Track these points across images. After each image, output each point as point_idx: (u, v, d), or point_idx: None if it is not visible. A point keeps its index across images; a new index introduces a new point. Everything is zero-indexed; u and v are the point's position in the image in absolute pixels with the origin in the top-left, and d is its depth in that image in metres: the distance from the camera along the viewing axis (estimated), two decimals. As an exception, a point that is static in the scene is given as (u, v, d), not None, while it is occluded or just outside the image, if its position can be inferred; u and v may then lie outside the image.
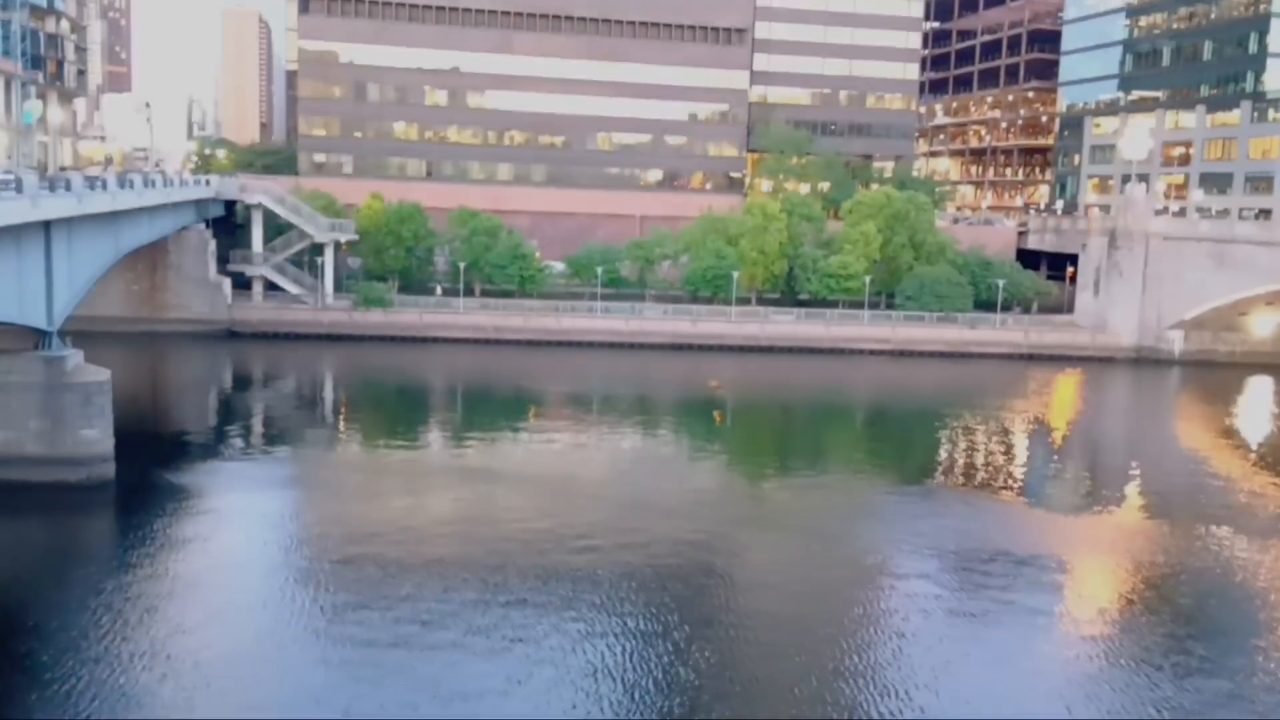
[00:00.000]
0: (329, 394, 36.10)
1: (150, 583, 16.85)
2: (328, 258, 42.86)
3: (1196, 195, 56.26)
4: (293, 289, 42.68)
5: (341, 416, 32.84)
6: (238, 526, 20.23)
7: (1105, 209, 55.25)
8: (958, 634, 16.00)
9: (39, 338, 21.86)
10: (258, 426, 29.83)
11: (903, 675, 14.27)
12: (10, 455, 21.40)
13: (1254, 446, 32.08)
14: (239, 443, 27.45)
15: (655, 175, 58.38)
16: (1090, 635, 16.37)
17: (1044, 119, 74.17)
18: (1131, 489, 26.44)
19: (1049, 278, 51.52)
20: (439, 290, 44.74)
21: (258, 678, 13.61)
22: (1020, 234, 55.22)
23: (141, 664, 13.68)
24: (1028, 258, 52.84)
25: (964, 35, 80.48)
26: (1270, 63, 54.91)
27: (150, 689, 13.02)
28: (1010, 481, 26.39)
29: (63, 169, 50.72)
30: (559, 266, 47.14)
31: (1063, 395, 39.97)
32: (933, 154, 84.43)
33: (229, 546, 18.96)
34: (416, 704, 12.97)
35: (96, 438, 21.95)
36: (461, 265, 44.23)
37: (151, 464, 23.05)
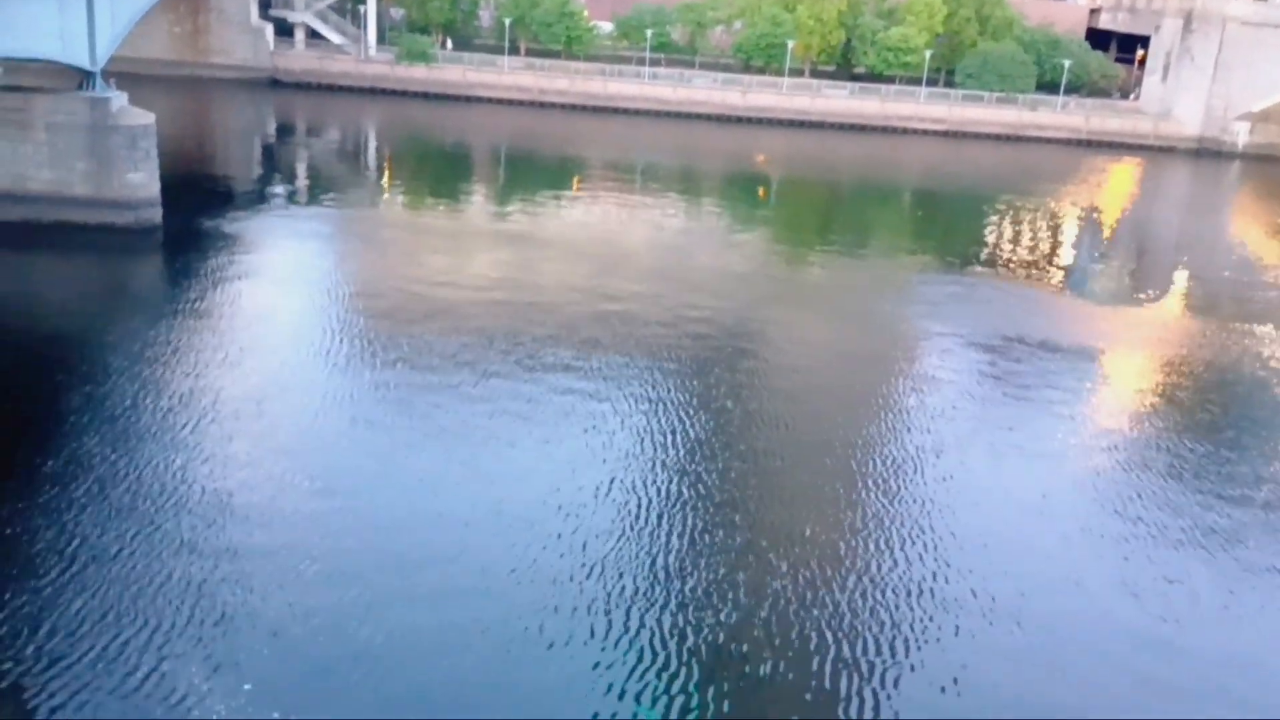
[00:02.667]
0: (371, 149, 35.88)
1: (195, 324, 17.27)
2: (370, 6, 41.70)
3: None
4: (335, 38, 41.78)
5: (383, 173, 32.75)
6: (281, 276, 20.54)
7: (1185, -11, 52.29)
8: (984, 419, 16.19)
9: (82, 78, 21.62)
10: (301, 178, 29.88)
11: (925, 457, 14.53)
12: (59, 195, 21.58)
13: (1309, 246, 31.44)
14: (282, 193, 27.60)
15: (711, -68, 55.38)
16: (1120, 427, 16.52)
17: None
18: (1178, 283, 26.15)
19: (1117, 60, 49.44)
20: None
21: (295, 417, 14.07)
22: (1092, 12, 52.64)
23: (186, 398, 14.17)
24: (1098, 37, 50.59)
25: None
26: None
27: (194, 423, 13.52)
28: (1055, 270, 26.12)
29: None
30: (607, 27, 45.65)
31: (1118, 184, 39.03)
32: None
33: (272, 295, 19.30)
34: (448, 451, 13.38)
35: (143, 181, 22.04)
36: (507, 21, 42.93)
37: (197, 211, 23.23)
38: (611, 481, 12.74)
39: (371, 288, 20.18)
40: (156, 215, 21.96)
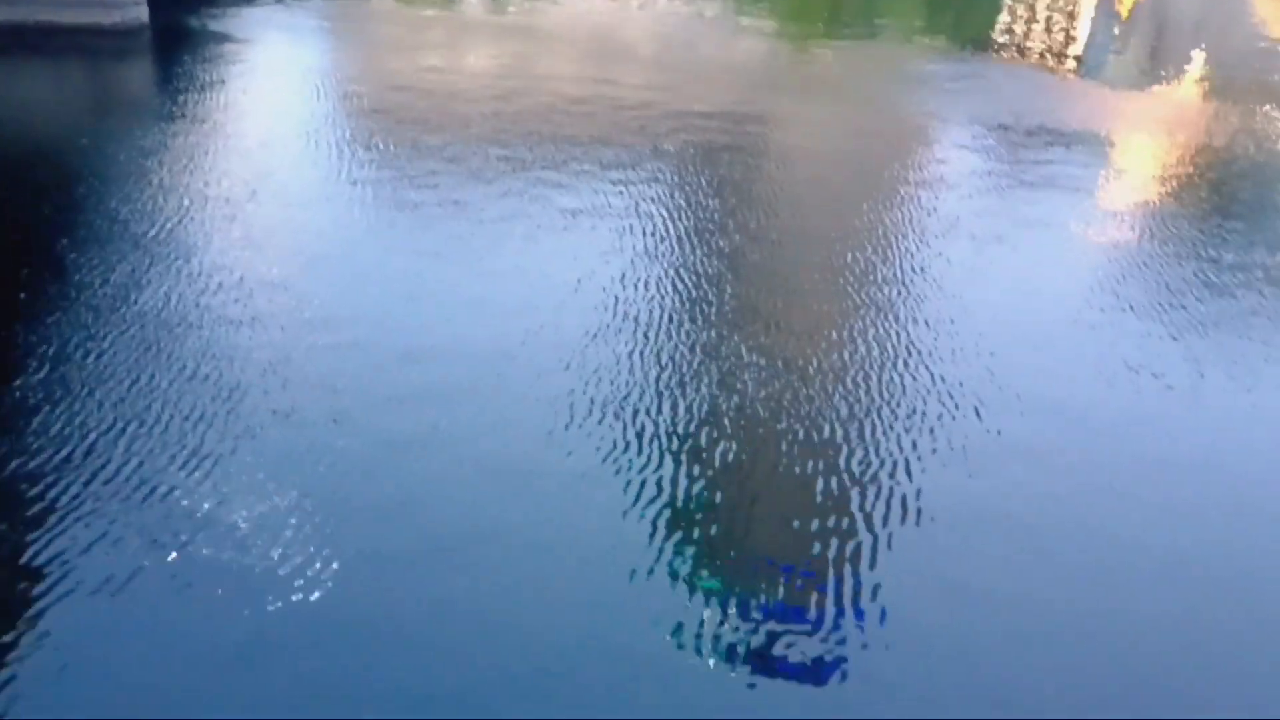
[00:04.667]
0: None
1: (185, 125, 16.99)
2: None
3: None
4: None
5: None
6: (271, 72, 20.06)
7: None
8: (989, 202, 16.04)
9: None
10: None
11: (927, 240, 14.47)
12: (40, -4, 20.95)
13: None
14: (271, -11, 26.77)
15: None
16: (1125, 213, 16.37)
17: None
18: (1196, 65, 25.45)
19: None
20: None
21: (291, 215, 14.00)
22: None
23: (189, 204, 14.07)
24: None
25: None
26: None
27: (198, 221, 13.47)
28: (1069, 54, 25.42)
29: None
30: None
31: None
32: None
33: (263, 92, 18.88)
34: (438, 252, 13.32)
35: (125, -22, 21.33)
36: None
37: (184, 7, 22.60)
38: (610, 272, 12.69)
39: (364, 84, 19.74)
40: (144, 14, 21.30)
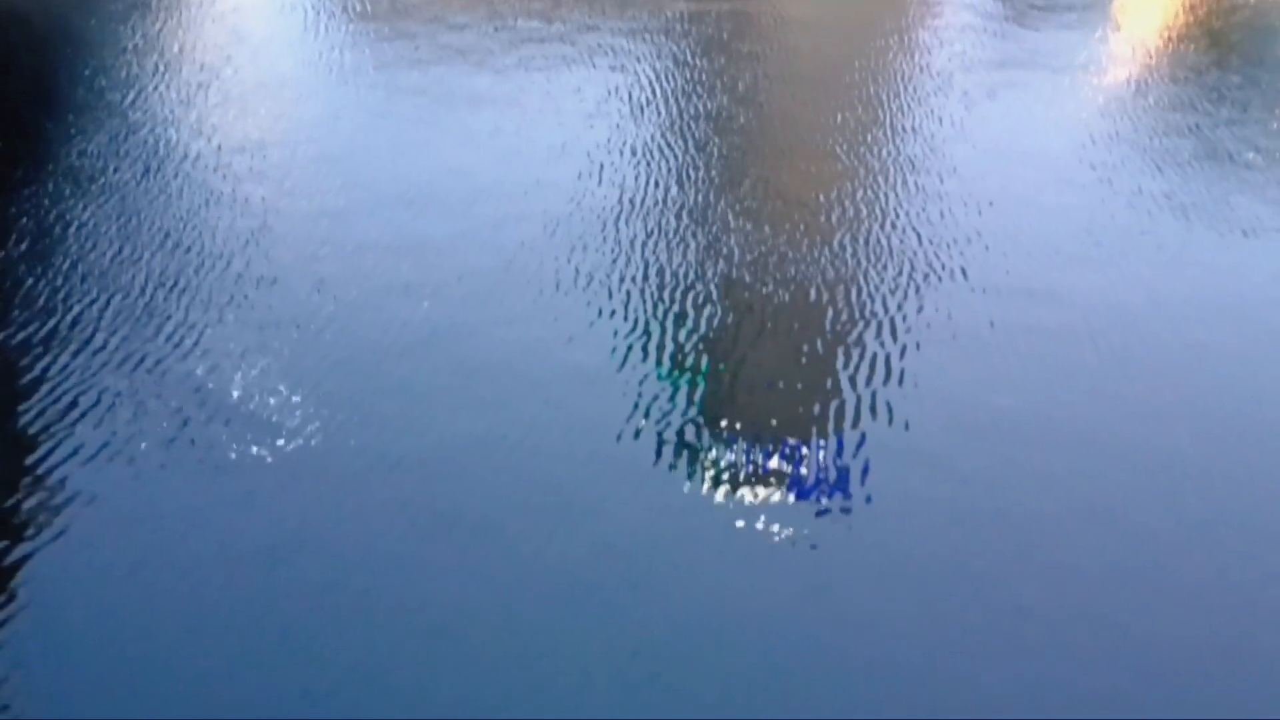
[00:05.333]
0: None
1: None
2: None
3: None
4: None
5: None
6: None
7: None
8: (986, 58, 15.74)
9: None
10: None
11: (922, 101, 14.25)
12: None
13: None
14: None
15: None
16: (1124, 65, 16.09)
17: None
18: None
19: None
20: None
21: (267, 81, 13.74)
22: None
23: (164, 70, 13.78)
24: None
25: None
26: None
27: (174, 88, 13.21)
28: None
29: None
30: None
31: None
32: None
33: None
34: (420, 118, 13.11)
35: None
36: None
37: None
38: (594, 137, 12.52)
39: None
40: None
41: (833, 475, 6.42)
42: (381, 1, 16.23)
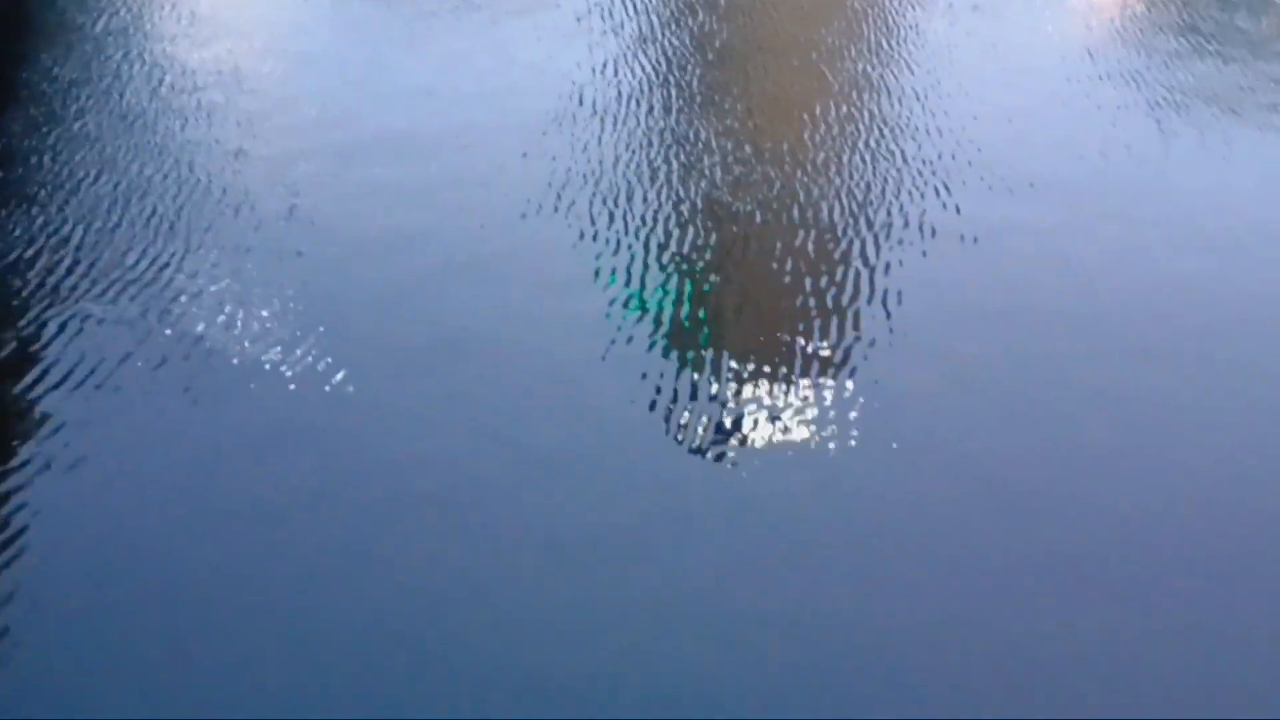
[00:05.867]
0: None
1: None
2: None
3: None
4: None
5: None
6: None
7: None
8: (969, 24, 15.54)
9: None
10: None
11: (905, 14, 14.07)
12: None
13: None
14: None
15: None
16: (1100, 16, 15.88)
17: None
18: None
19: None
20: None
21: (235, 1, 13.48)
22: None
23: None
24: None
25: None
26: None
27: (141, 10, 12.94)
28: None
29: None
30: None
31: None
32: None
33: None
34: (391, 37, 12.87)
35: None
36: None
37: None
38: (571, 56, 12.33)
39: None
40: None
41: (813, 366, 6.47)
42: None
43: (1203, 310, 8.03)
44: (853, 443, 6.19)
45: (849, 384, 6.74)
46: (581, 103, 11.12)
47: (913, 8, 14.39)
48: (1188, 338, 7.53)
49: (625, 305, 7.31)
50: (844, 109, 11.46)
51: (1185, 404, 6.56)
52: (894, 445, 5.99)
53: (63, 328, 6.94)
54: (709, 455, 6.04)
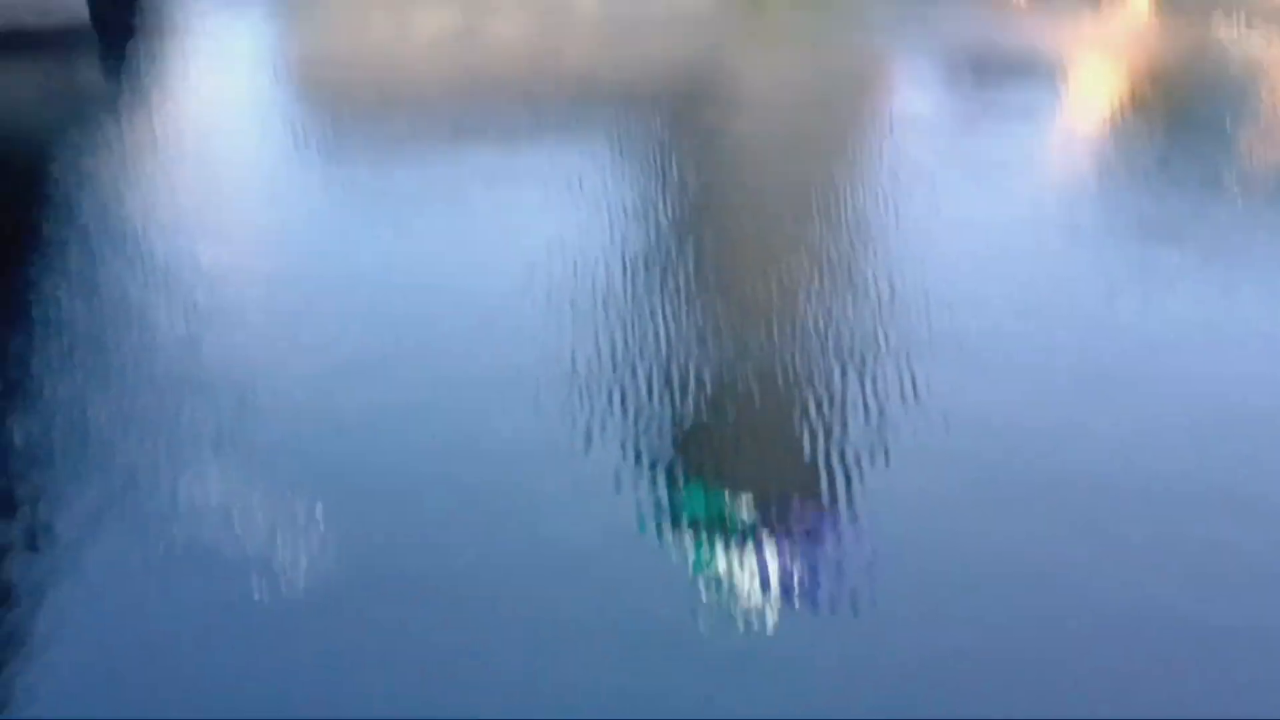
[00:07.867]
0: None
1: (146, 120, 16.87)
2: None
3: None
4: None
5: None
6: (220, 58, 19.93)
7: None
8: (950, 132, 16.03)
9: None
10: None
11: (894, 180, 14.45)
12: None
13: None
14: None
15: None
16: (1083, 135, 16.37)
17: None
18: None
19: None
20: None
21: (243, 174, 13.94)
22: None
23: (145, 199, 14.01)
24: None
25: None
26: None
27: (149, 213, 13.41)
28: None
29: None
30: None
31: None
32: None
33: (214, 78, 18.76)
34: (398, 219, 13.27)
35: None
36: None
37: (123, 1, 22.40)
38: (566, 234, 12.67)
39: (311, 63, 19.60)
40: (83, 13, 21.11)
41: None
42: (364, 121, 16.54)
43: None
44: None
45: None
46: (586, 285, 11.30)
47: (892, 181, 14.68)
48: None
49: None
50: (832, 283, 11.62)
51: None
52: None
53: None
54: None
